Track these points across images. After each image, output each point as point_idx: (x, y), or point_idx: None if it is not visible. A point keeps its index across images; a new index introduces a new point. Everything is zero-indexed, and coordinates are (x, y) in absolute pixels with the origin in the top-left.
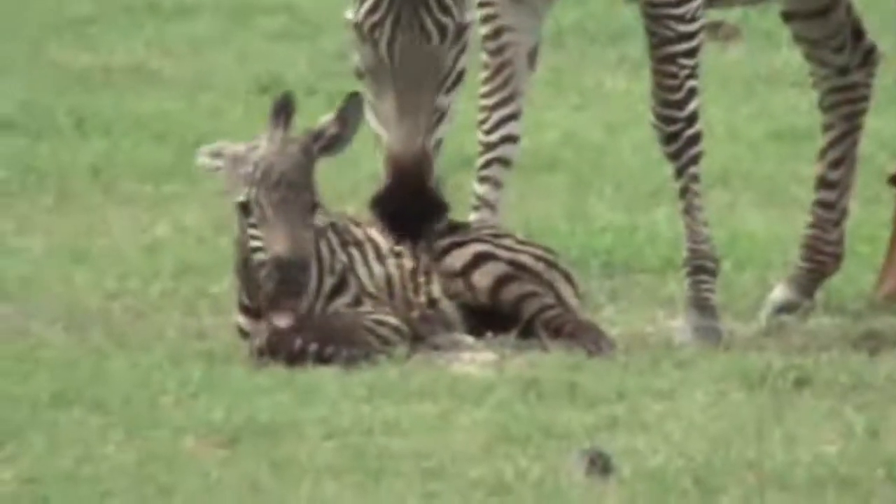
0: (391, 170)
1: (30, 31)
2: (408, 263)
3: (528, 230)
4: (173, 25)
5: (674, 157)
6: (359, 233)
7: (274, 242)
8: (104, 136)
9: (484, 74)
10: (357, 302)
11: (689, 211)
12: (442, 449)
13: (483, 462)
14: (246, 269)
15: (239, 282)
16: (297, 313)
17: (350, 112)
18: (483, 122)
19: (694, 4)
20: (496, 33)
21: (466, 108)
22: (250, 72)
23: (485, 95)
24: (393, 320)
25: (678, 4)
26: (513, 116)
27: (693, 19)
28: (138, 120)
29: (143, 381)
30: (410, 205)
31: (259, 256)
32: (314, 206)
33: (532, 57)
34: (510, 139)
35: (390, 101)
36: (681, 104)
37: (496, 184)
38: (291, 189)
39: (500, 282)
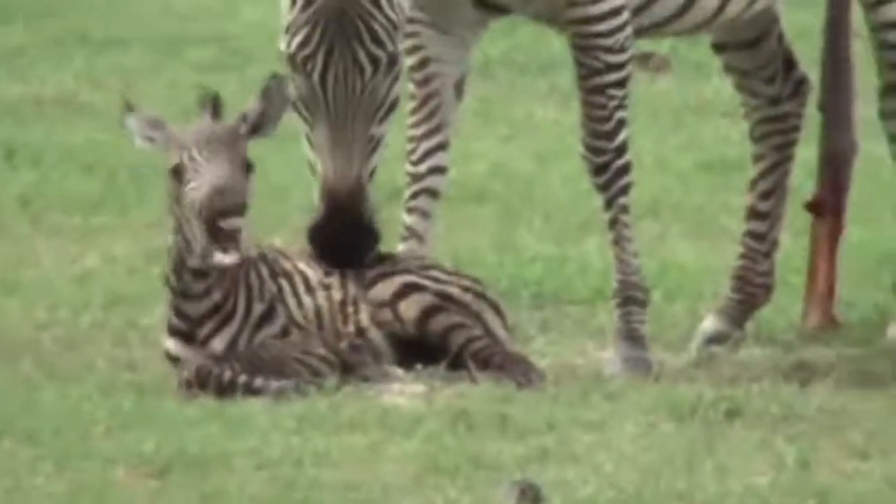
0: (326, 200)
1: None
2: (336, 294)
3: (457, 261)
4: (103, 57)
5: (603, 188)
6: (288, 265)
7: (209, 175)
8: (33, 167)
9: (411, 105)
10: (285, 332)
11: (618, 242)
12: (372, 480)
13: (413, 493)
14: (178, 275)
15: (170, 297)
16: (238, 252)
17: (272, 91)
18: (411, 152)
19: (623, 35)
20: (422, 64)
21: (396, 139)
22: (181, 102)
23: (412, 126)
24: (321, 351)
25: (607, 35)
26: (440, 147)
27: (622, 50)
28: (68, 151)
29: (74, 412)
30: (345, 235)
31: (193, 197)
32: (249, 166)
33: (459, 87)
34: (438, 170)
35: (324, 132)
36: (610, 135)
37: (424, 214)
38: (223, 145)
39: (428, 312)
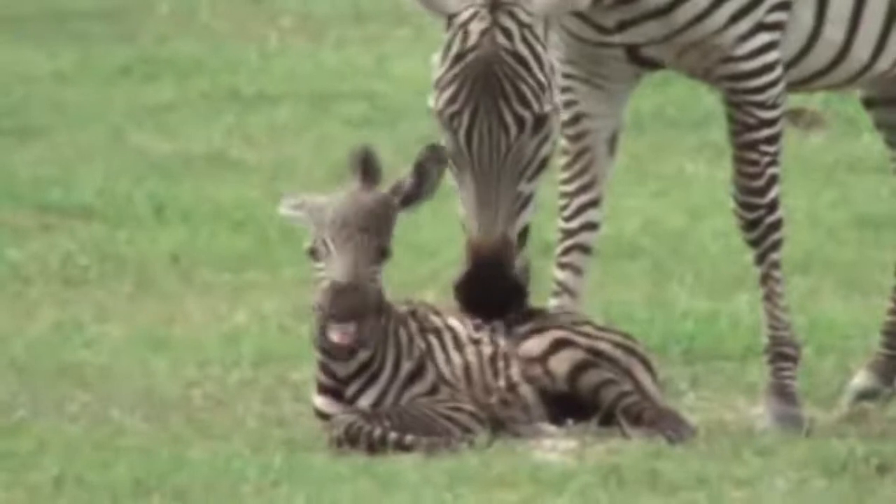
0: (471, 256)
1: (110, 118)
2: (486, 349)
3: (609, 317)
4: (253, 113)
5: (755, 243)
6: (437, 320)
7: (333, 270)
8: (183, 224)
9: (563, 160)
10: (434, 390)
11: (769, 297)
12: None
13: None
14: (323, 336)
15: (317, 356)
16: (355, 334)
17: (428, 163)
18: (563, 208)
19: (776, 91)
20: (575, 119)
21: (547, 194)
22: (330, 159)
23: (565, 182)
24: (470, 407)
25: (760, 91)
26: (593, 203)
27: (775, 106)
28: (218, 207)
29: (224, 469)
30: (490, 292)
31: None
32: (383, 253)
33: (612, 143)
34: (590, 226)
35: (471, 189)
36: (762, 191)
37: (577, 270)
38: (358, 231)
39: (578, 368)
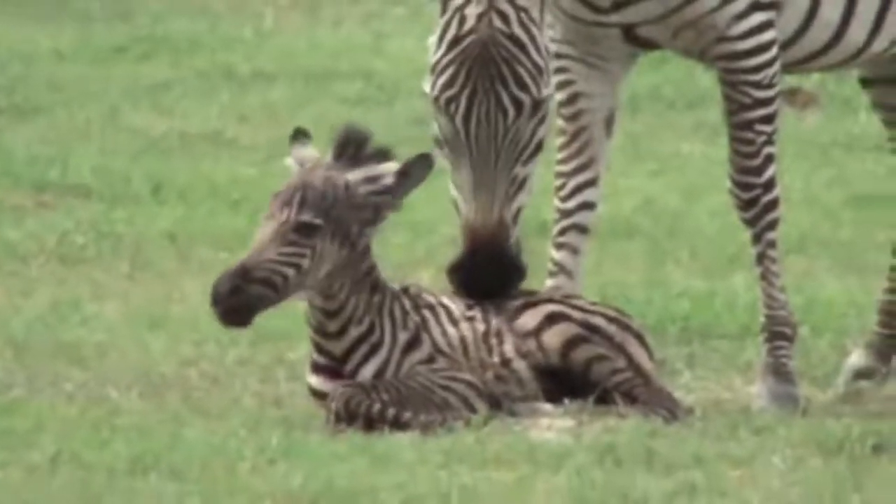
0: (467, 240)
1: (106, 97)
2: (480, 326)
3: (605, 297)
4: (249, 92)
5: (751, 222)
6: (430, 298)
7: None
8: (180, 203)
9: (560, 141)
10: (431, 359)
11: (766, 277)
12: None
13: None
14: (313, 314)
15: (311, 335)
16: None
17: (413, 170)
18: (560, 188)
19: (772, 71)
20: (572, 99)
21: (543, 174)
22: (326, 138)
23: (561, 162)
24: (467, 376)
25: (756, 71)
26: (590, 183)
27: (770, 85)
28: (214, 186)
29: (221, 447)
30: (486, 274)
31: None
32: (308, 229)
33: (609, 123)
34: (587, 206)
35: (467, 172)
36: (758, 170)
37: (573, 250)
38: (281, 206)
39: (571, 343)
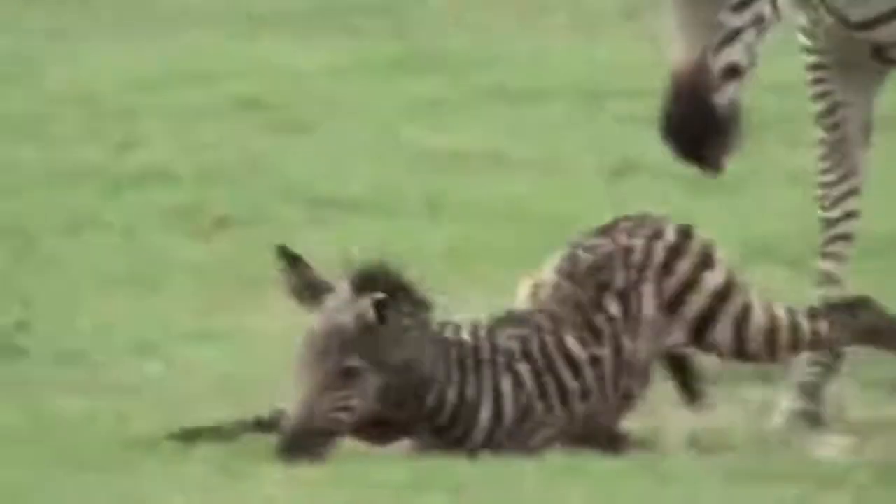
0: (670, 86)
1: (382, 114)
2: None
3: None
4: (525, 109)
5: None
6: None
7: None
8: (457, 220)
9: (821, 151)
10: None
11: None
12: None
13: None
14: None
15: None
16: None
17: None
18: (823, 197)
19: None
20: (832, 109)
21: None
22: (602, 155)
23: (823, 172)
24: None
25: None
26: (852, 192)
27: None
28: (491, 203)
29: None
30: (687, 119)
31: None
32: (347, 371)
33: (867, 132)
34: (851, 215)
35: (673, 14)
36: None
37: (840, 259)
38: (317, 356)
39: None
